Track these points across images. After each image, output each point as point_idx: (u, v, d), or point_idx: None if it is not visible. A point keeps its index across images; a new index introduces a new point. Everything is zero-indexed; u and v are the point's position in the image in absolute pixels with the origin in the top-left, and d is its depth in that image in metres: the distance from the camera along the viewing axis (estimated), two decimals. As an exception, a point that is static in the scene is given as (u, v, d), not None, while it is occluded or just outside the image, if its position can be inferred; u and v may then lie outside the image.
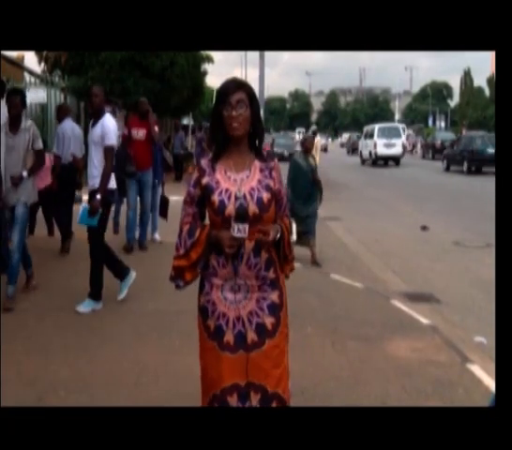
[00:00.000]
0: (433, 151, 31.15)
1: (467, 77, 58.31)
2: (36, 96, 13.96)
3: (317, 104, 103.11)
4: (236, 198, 2.17)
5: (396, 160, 26.25)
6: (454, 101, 75.90)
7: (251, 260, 2.20)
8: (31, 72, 15.75)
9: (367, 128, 27.99)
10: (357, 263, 6.75)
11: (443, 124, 62.59)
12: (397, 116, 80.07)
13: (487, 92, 53.18)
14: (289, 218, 2.40)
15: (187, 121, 26.65)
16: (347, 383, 3.45)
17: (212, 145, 2.29)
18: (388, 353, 3.97)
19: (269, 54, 18.66)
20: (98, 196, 4.64)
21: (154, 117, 7.69)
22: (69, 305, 4.82)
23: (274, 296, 2.27)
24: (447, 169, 22.30)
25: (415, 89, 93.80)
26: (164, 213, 7.66)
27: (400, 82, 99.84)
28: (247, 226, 2.12)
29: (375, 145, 25.46)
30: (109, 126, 4.82)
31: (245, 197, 2.18)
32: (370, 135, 26.52)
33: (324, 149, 39.07)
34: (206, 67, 18.33)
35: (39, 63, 15.21)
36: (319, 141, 13.42)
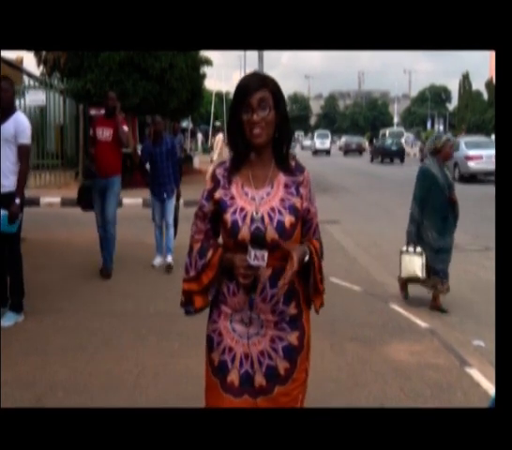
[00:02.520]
0: (431, 155, 31.09)
1: (466, 81, 58.47)
2: (35, 98, 13.98)
3: (316, 107, 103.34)
4: (252, 220, 1.81)
5: (327, 152, 44.39)
6: (452, 105, 76.10)
7: (267, 290, 1.84)
8: (30, 75, 15.82)
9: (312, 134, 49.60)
10: (356, 267, 6.76)
11: (441, 127, 62.76)
12: (395, 120, 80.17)
13: (485, 96, 53.31)
14: (321, 243, 1.98)
15: (185, 124, 26.67)
16: (345, 386, 3.45)
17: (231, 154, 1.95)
18: (387, 356, 3.97)
19: (268, 57, 18.74)
20: (18, 200, 4.27)
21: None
22: (67, 306, 4.82)
23: (292, 337, 1.89)
24: (371, 160, 33.28)
25: (414, 93, 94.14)
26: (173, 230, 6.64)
27: (399, 85, 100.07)
28: (266, 253, 1.75)
29: (315, 143, 45.89)
30: (23, 123, 4.40)
31: (263, 219, 1.81)
32: (312, 137, 48.56)
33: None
34: (205, 69, 18.38)
35: (38, 65, 15.21)
36: (220, 138, 12.69)
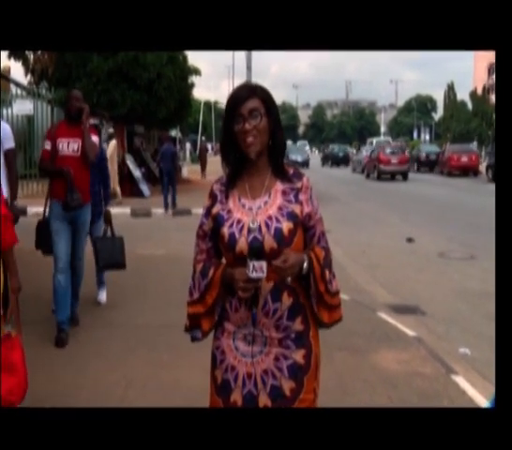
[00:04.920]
0: (418, 164, 31.26)
1: (450, 91, 59.16)
2: (22, 107, 13.94)
3: (304, 117, 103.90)
4: (249, 230, 1.76)
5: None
6: (438, 114, 76.89)
7: (269, 305, 1.77)
8: (17, 84, 15.74)
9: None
10: (344, 275, 6.79)
11: (427, 137, 63.39)
12: (382, 129, 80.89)
13: (469, 106, 53.95)
14: (327, 251, 1.88)
15: (174, 133, 26.70)
16: (334, 394, 3.46)
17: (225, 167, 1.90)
18: (375, 365, 4.00)
19: (256, 67, 18.74)
20: (16, 202, 4.27)
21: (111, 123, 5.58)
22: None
23: (298, 355, 1.81)
24: (322, 165, 40.75)
25: (401, 102, 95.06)
26: (119, 264, 5.09)
27: (386, 95, 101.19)
28: (264, 263, 1.68)
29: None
30: (4, 129, 4.26)
31: (260, 229, 1.76)
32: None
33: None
34: (194, 79, 18.47)
35: (26, 75, 15.17)
36: (115, 146, 11.79)
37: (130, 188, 14.95)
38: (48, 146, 4.50)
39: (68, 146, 4.45)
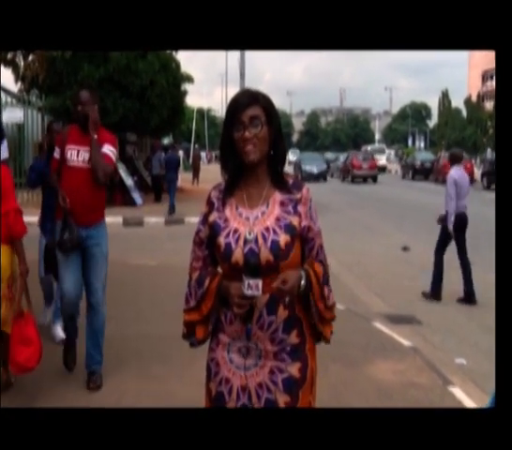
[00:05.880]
0: (413, 172, 31.20)
1: (445, 98, 59.59)
2: (12, 115, 13.85)
3: (298, 124, 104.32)
4: (246, 241, 1.73)
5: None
6: (433, 122, 77.35)
7: (265, 318, 1.74)
8: (7, 91, 15.68)
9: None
10: (339, 285, 6.70)
11: (422, 144, 63.71)
12: (377, 136, 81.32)
13: (464, 113, 54.34)
14: (326, 266, 1.86)
15: (167, 141, 26.69)
16: (329, 406, 3.39)
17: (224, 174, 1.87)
18: (370, 376, 3.94)
19: (250, 74, 18.80)
20: None
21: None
22: (44, 328, 4.71)
23: (293, 369, 1.77)
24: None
25: (395, 110, 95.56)
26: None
27: (381, 102, 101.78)
28: (260, 282, 1.66)
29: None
30: None
31: (256, 240, 1.73)
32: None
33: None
34: (187, 86, 18.45)
35: (16, 82, 15.11)
36: None
37: (122, 197, 14.85)
38: (57, 155, 3.80)
39: (79, 155, 3.70)
